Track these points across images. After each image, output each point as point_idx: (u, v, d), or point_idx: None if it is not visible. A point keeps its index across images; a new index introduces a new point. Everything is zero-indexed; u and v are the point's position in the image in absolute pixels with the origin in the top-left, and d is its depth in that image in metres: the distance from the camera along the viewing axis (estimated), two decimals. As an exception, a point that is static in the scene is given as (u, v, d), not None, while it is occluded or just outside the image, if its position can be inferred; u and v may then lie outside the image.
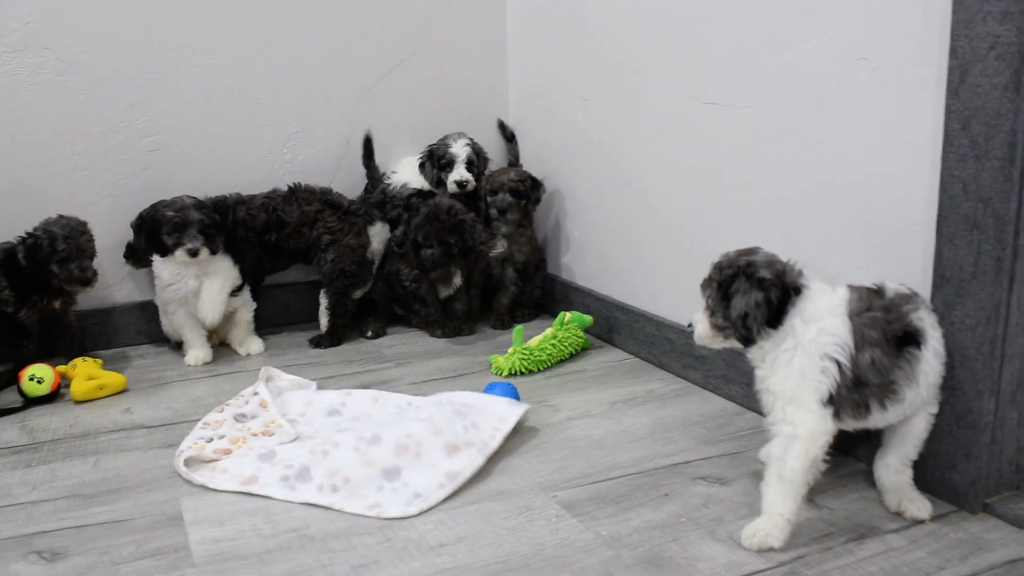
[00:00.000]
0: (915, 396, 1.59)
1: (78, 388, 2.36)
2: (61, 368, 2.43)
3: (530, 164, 3.04)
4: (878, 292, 1.63)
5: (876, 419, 1.61)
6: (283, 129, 2.90)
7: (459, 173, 2.88)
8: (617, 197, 2.65)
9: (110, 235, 2.68)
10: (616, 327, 2.67)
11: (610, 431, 2.09)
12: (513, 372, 2.44)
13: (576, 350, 2.59)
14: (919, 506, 1.67)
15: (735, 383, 2.21)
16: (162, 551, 1.61)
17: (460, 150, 2.90)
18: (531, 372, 2.46)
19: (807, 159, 1.96)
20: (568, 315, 2.61)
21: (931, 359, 1.59)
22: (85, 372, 2.39)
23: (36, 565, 1.57)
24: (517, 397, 2.16)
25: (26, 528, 1.70)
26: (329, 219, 2.74)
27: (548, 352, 2.49)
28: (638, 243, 2.56)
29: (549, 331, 2.55)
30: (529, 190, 2.86)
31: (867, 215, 1.84)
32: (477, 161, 2.94)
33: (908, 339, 1.57)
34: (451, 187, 2.89)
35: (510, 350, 2.48)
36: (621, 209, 2.64)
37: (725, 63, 2.16)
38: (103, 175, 2.72)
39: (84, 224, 2.52)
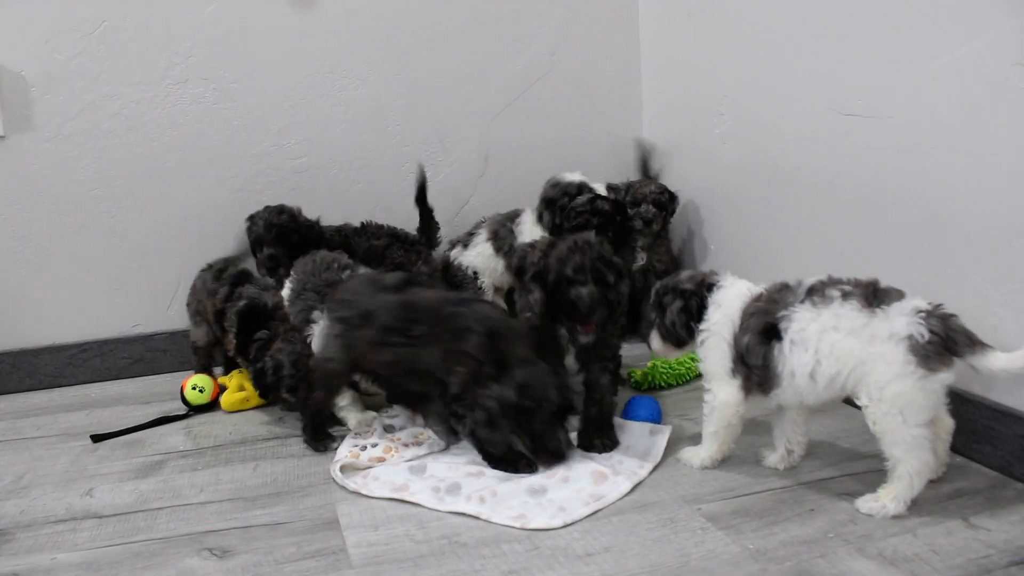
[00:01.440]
0: (791, 384, 1.77)
1: (227, 399, 2.50)
2: (222, 379, 2.58)
3: (665, 177, 3.05)
4: (784, 288, 1.82)
5: (778, 397, 1.84)
6: (423, 149, 3.00)
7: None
8: (753, 209, 2.64)
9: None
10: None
11: (751, 445, 2.07)
12: (652, 385, 2.45)
13: (713, 364, 2.58)
14: None
15: (881, 398, 2.16)
16: (321, 552, 1.69)
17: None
18: (670, 385, 2.47)
19: (955, 171, 1.91)
20: (705, 329, 2.60)
21: (787, 351, 1.75)
22: (237, 383, 2.53)
23: (209, 561, 1.68)
24: (659, 414, 2.17)
25: (197, 527, 1.82)
26: (396, 253, 2.76)
27: (686, 366, 2.49)
28: (775, 256, 2.54)
29: (687, 345, 2.56)
30: (667, 202, 2.86)
31: (1021, 228, 1.78)
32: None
33: (771, 331, 1.78)
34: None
35: (649, 363, 2.49)
36: (758, 221, 2.62)
37: (867, 74, 2.12)
38: (254, 196, 2.87)
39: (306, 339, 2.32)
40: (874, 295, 1.70)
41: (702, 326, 1.89)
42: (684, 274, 1.97)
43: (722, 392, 1.88)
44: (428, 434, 2.15)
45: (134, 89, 2.74)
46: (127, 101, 2.74)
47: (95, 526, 1.85)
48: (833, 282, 1.75)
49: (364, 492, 1.91)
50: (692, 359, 2.50)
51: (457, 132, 3.04)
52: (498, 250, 2.81)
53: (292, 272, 2.46)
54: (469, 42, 2.99)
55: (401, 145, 2.98)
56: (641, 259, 2.90)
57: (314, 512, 1.86)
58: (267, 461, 2.14)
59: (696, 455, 1.98)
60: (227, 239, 2.70)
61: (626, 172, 3.11)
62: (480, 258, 2.84)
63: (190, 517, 1.87)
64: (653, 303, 1.97)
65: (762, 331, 1.79)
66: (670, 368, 2.47)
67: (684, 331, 1.93)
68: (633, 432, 2.09)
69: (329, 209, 2.78)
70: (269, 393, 2.32)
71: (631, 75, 3.19)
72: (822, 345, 1.71)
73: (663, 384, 2.46)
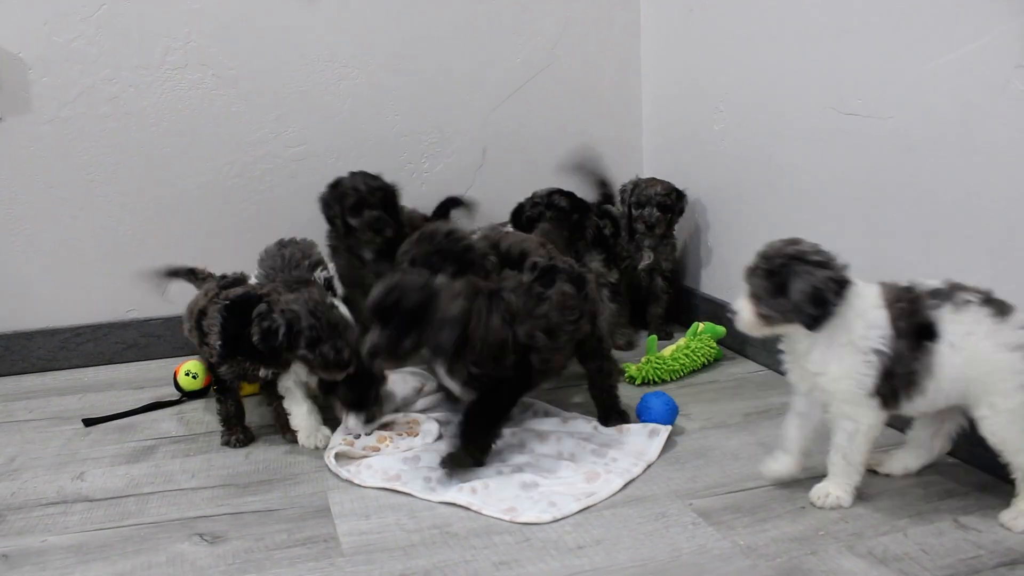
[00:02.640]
0: (935, 389, 1.65)
1: None
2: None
3: (664, 173, 3.04)
4: (908, 289, 1.70)
5: (908, 408, 1.71)
6: (421, 140, 3.00)
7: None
8: (752, 208, 2.64)
9: (255, 240, 2.80)
10: (749, 339, 2.64)
11: (745, 442, 2.08)
12: (645, 381, 2.45)
13: (708, 361, 2.58)
14: None
15: (874, 398, 2.16)
16: (312, 540, 1.69)
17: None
18: (663, 381, 2.47)
19: (954, 172, 1.91)
20: (701, 325, 2.61)
21: (944, 352, 1.63)
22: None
23: (199, 546, 1.68)
24: (676, 410, 2.14)
25: (188, 512, 1.82)
26: None
27: (681, 362, 2.49)
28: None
29: (682, 341, 2.56)
30: (674, 203, 2.82)
31: (1021, 231, 1.78)
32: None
33: (925, 332, 1.64)
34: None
35: (643, 359, 2.49)
36: (756, 220, 2.62)
37: (867, 73, 2.12)
38: (252, 183, 2.86)
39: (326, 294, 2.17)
40: (997, 304, 1.65)
41: (840, 339, 1.67)
42: (804, 243, 1.70)
43: (866, 415, 1.70)
44: (423, 425, 2.15)
45: (132, 73, 2.72)
46: (125, 85, 2.73)
47: (86, 509, 1.85)
48: (955, 286, 1.67)
49: (356, 481, 1.91)
50: (686, 355, 2.50)
51: (456, 123, 3.03)
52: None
53: (259, 264, 2.44)
54: (470, 33, 2.98)
55: (400, 135, 2.97)
56: (648, 258, 2.88)
57: (306, 500, 1.86)
58: (259, 448, 2.14)
59: (836, 492, 1.76)
60: (224, 225, 2.70)
61: (629, 167, 3.11)
62: None
63: (181, 502, 1.86)
64: (759, 269, 1.70)
65: (915, 333, 1.65)
66: (664, 364, 2.47)
67: (834, 304, 1.64)
68: (632, 432, 2.08)
69: (326, 198, 2.77)
70: (280, 356, 2.03)
71: (631, 69, 3.18)
72: (967, 350, 1.63)
73: (657, 380, 2.46)
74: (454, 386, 1.93)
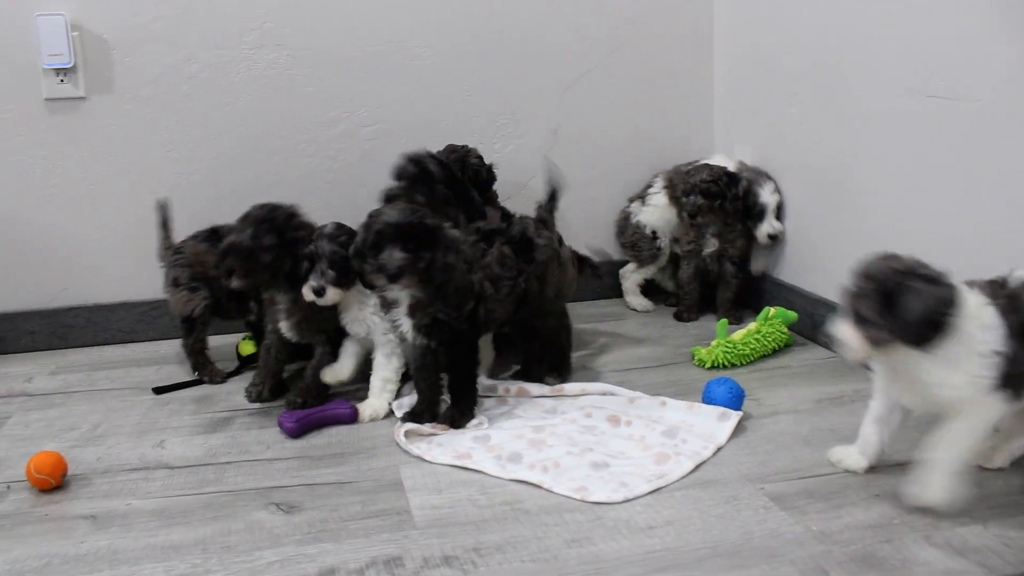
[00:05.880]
0: None
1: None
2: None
3: (735, 157, 3.01)
4: (1000, 284, 1.65)
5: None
6: (493, 120, 3.00)
7: (771, 226, 2.81)
8: (826, 192, 2.59)
9: (329, 217, 2.84)
10: (820, 324, 2.61)
11: (816, 428, 2.05)
12: (715, 364, 2.43)
13: (779, 346, 2.55)
14: None
15: (951, 387, 2.12)
16: (385, 512, 1.72)
17: (770, 198, 2.80)
18: (733, 365, 2.45)
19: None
20: (772, 310, 2.58)
21: None
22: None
23: (276, 515, 1.72)
24: (741, 395, 2.13)
25: (264, 482, 1.87)
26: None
27: (751, 347, 2.47)
28: (846, 239, 2.49)
29: (753, 326, 2.53)
30: (724, 188, 2.78)
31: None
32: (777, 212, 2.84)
33: None
34: (762, 239, 2.84)
35: (713, 342, 2.48)
36: (829, 204, 2.58)
37: (951, 54, 2.07)
38: (326, 162, 2.91)
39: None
40: None
41: (958, 348, 1.56)
42: (905, 259, 1.59)
43: (992, 411, 1.62)
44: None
45: (210, 54, 2.78)
46: (203, 65, 2.78)
47: (167, 476, 1.91)
48: None
49: (427, 458, 1.94)
50: (757, 339, 2.48)
51: (528, 103, 3.03)
52: (672, 199, 2.92)
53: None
54: (543, 13, 2.97)
55: (472, 116, 2.98)
56: (712, 245, 2.86)
57: (378, 473, 1.89)
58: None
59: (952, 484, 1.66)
60: (299, 202, 2.73)
61: (698, 151, 3.08)
62: (657, 211, 2.97)
63: (257, 472, 1.91)
64: (864, 291, 1.58)
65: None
66: (734, 348, 2.45)
67: (951, 321, 1.53)
68: (702, 414, 2.08)
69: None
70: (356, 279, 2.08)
71: (703, 51, 3.14)
72: None
73: (727, 364, 2.44)
74: (408, 329, 2.05)
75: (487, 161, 2.77)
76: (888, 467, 1.84)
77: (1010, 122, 1.94)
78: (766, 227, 2.79)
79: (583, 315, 2.93)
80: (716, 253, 2.87)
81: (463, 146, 2.75)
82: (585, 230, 3.05)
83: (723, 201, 2.78)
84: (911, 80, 2.20)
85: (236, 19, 2.78)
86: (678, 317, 2.94)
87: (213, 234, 2.48)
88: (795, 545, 1.57)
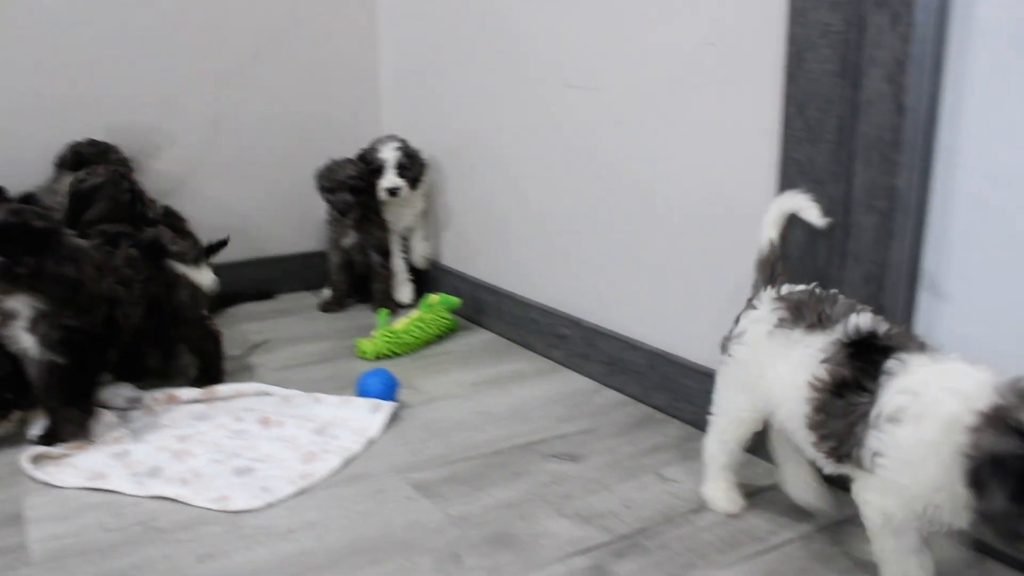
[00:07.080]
0: None
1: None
2: None
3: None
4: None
5: None
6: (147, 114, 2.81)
7: (390, 180, 2.80)
8: (485, 179, 2.67)
9: None
10: (483, 308, 2.70)
11: (471, 412, 2.11)
12: (378, 355, 2.44)
13: (443, 332, 2.60)
14: None
15: (594, 361, 2.26)
16: (-3, 552, 1.56)
17: (389, 154, 2.80)
18: (396, 355, 2.46)
19: (662, 143, 2.02)
20: (435, 297, 2.62)
21: None
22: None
23: None
24: (395, 385, 2.14)
25: None
26: None
27: (414, 335, 2.49)
28: (505, 225, 2.59)
29: (416, 313, 2.56)
30: (369, 179, 2.79)
31: (715, 199, 1.91)
32: (410, 165, 2.82)
33: None
34: (382, 194, 2.80)
35: (374, 332, 2.48)
36: (489, 191, 2.66)
37: (585, 48, 2.19)
38: None
39: None
40: None
41: None
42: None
43: None
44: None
45: None
46: None
47: None
48: None
49: (55, 483, 1.78)
50: (419, 327, 2.51)
51: (183, 96, 2.86)
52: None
53: None
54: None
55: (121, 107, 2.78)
56: (351, 236, 2.86)
57: (-4, 508, 1.72)
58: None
59: None
60: None
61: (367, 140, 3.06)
62: None
63: None
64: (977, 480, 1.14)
65: None
66: (396, 337, 2.46)
67: None
68: (355, 408, 2.07)
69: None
70: None
71: (368, 40, 3.12)
72: None
73: (391, 354, 2.45)
74: (32, 345, 1.87)
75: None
76: (531, 444, 1.93)
77: (627, 105, 2.10)
78: (384, 182, 2.80)
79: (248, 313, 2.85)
80: (357, 244, 2.87)
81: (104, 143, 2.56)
82: (273, 216, 3.04)
83: (367, 196, 2.79)
84: (557, 70, 2.31)
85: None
86: (324, 309, 2.93)
87: None
88: (433, 533, 1.60)
